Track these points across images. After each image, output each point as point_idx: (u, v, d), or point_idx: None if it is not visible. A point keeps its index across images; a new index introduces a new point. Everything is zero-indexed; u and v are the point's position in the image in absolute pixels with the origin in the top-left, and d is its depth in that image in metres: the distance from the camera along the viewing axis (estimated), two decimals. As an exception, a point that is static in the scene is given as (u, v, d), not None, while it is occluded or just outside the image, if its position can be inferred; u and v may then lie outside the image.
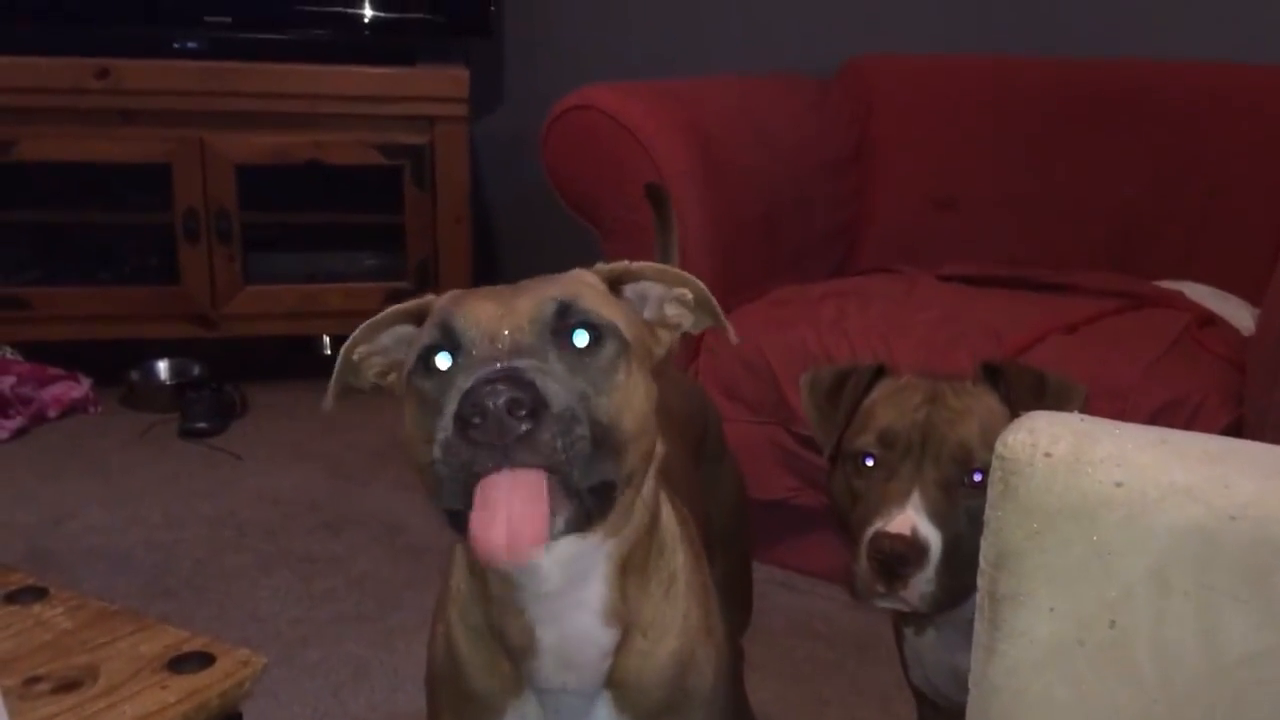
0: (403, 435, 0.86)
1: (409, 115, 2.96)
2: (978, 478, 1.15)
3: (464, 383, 0.77)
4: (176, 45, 2.95)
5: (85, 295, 2.96)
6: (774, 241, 2.37)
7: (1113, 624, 0.68)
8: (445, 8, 3.15)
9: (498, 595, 0.90)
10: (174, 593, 2.09)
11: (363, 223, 3.15)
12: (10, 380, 2.81)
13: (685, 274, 0.97)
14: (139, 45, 2.88)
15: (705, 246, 2.14)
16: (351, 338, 0.96)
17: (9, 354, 2.94)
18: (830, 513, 1.30)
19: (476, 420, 0.74)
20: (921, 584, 1.12)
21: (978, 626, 0.75)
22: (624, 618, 0.91)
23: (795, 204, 2.44)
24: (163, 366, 3.09)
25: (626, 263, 0.96)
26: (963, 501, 1.15)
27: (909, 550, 1.11)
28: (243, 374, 3.05)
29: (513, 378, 0.75)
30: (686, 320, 0.96)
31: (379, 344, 0.97)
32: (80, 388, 2.92)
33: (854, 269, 2.58)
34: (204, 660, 0.97)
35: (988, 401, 1.22)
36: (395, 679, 1.84)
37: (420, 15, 3.15)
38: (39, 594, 1.05)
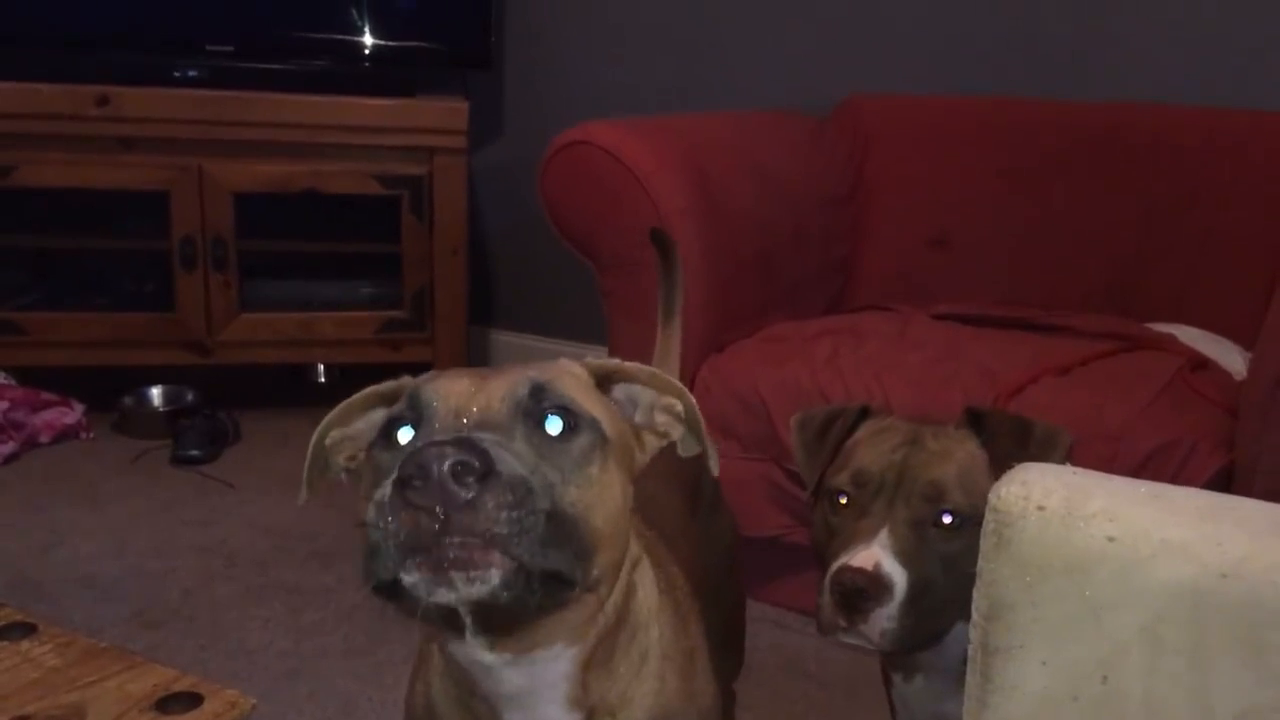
0: (360, 512, 0.83)
1: (408, 146, 2.97)
2: (947, 519, 1.17)
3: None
4: (177, 73, 2.96)
5: (81, 321, 2.96)
6: (770, 277, 2.38)
7: (1105, 679, 0.68)
8: (446, 39, 3.17)
9: (461, 681, 0.90)
10: (162, 623, 2.07)
11: (360, 252, 3.15)
12: (3, 405, 2.80)
13: (678, 385, 0.92)
14: (140, 73, 2.89)
15: (702, 283, 2.15)
16: (325, 421, 0.92)
17: (2, 379, 2.93)
18: (812, 550, 1.30)
19: (417, 482, 0.69)
20: (882, 620, 1.13)
21: (969, 678, 0.75)
22: (588, 704, 0.90)
23: (791, 240, 2.45)
24: (156, 393, 3.09)
25: (618, 362, 0.92)
26: (933, 543, 1.16)
27: (869, 584, 1.12)
28: (236, 402, 3.05)
29: (461, 440, 0.71)
30: (675, 432, 0.92)
31: (353, 429, 0.93)
32: (73, 414, 2.91)
33: (849, 305, 2.59)
34: (192, 700, 0.96)
35: (968, 446, 1.23)
36: (383, 713, 1.82)
37: (421, 44, 3.17)
38: (27, 630, 1.04)
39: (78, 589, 2.18)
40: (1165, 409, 1.82)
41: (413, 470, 0.69)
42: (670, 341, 1.45)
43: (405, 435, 0.79)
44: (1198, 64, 2.48)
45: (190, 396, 3.06)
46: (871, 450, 1.23)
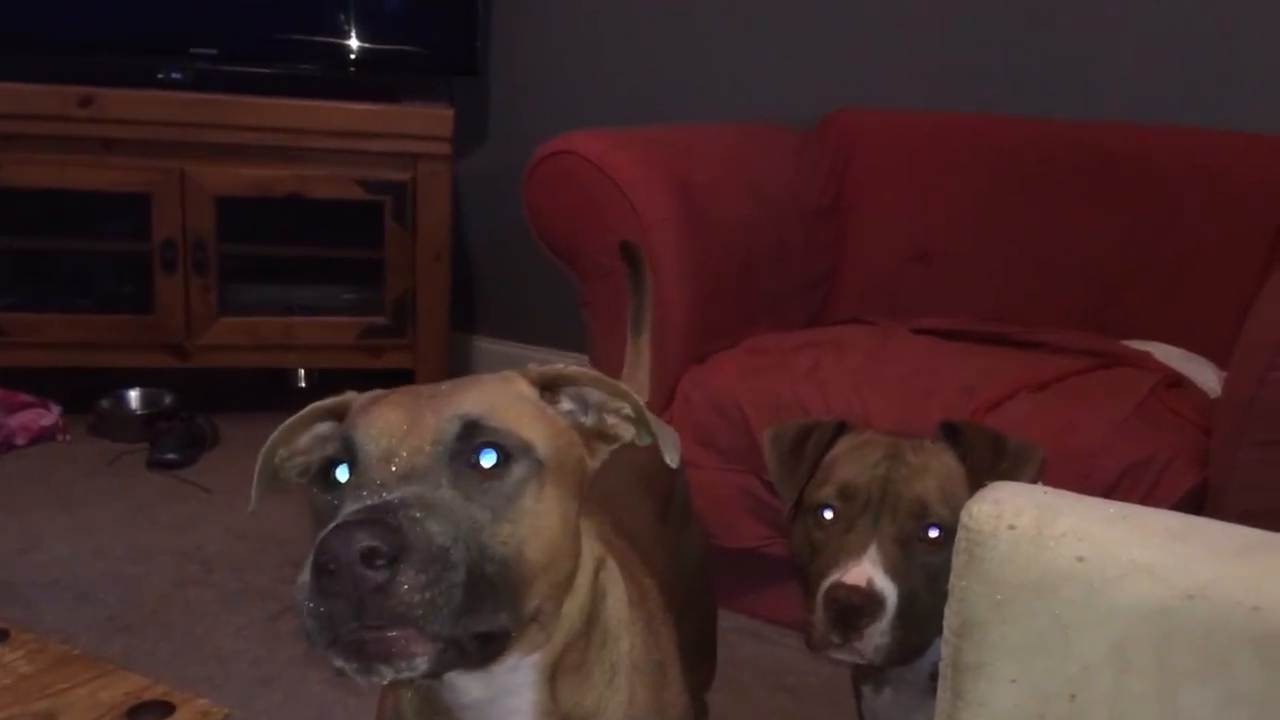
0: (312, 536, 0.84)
1: (392, 152, 2.97)
2: (933, 533, 1.19)
3: (341, 513, 0.74)
4: (161, 76, 2.95)
5: (60, 322, 2.94)
6: (752, 289, 2.39)
7: (1073, 698, 0.69)
8: (432, 45, 3.17)
9: (425, 694, 0.89)
10: (135, 628, 2.06)
11: (342, 257, 3.15)
12: (-22, 406, 2.78)
13: (623, 387, 0.91)
14: (123, 75, 2.88)
15: (684, 294, 2.16)
16: (271, 440, 0.93)
17: (-22, 379, 2.91)
18: (790, 564, 1.31)
19: (331, 567, 0.70)
20: (876, 636, 1.15)
21: (940, 695, 0.75)
22: (560, 713, 0.89)
23: (774, 252, 2.46)
24: (133, 396, 3.07)
25: (561, 367, 0.91)
26: (918, 557, 1.18)
27: (865, 601, 1.14)
28: (215, 405, 3.03)
29: (373, 519, 0.71)
30: (627, 434, 0.91)
31: (299, 445, 0.94)
32: (50, 415, 2.89)
33: (830, 318, 2.60)
34: (163, 710, 0.95)
35: (946, 460, 1.25)
36: (358, 722, 1.82)
37: (407, 48, 3.16)
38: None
39: (52, 592, 2.16)
40: (1140, 426, 1.83)
41: (326, 557, 0.70)
42: (640, 354, 1.46)
43: (342, 474, 0.80)
44: (1181, 85, 2.51)
45: (168, 400, 3.05)
46: (853, 465, 1.24)
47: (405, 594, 0.70)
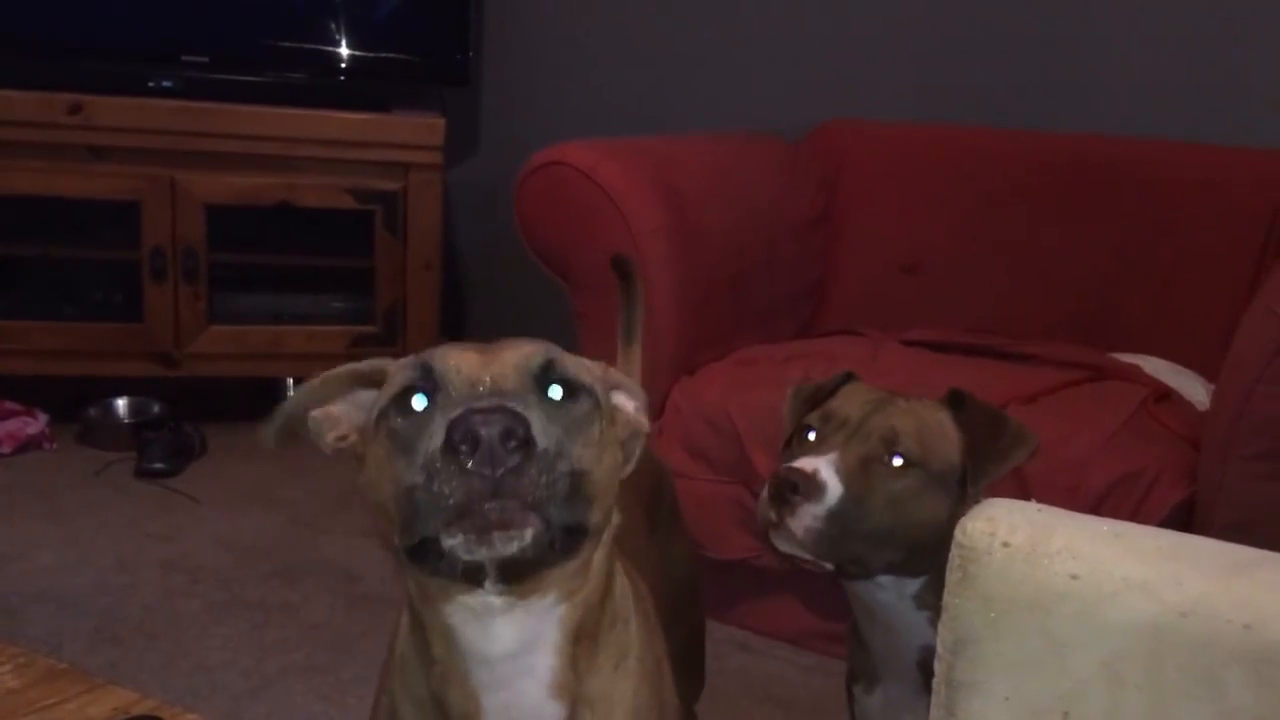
0: (363, 480, 0.85)
1: (383, 161, 2.97)
2: (897, 461, 1.23)
3: (448, 415, 0.77)
4: (151, 83, 2.94)
5: (48, 330, 2.92)
6: (742, 300, 2.39)
7: (1066, 716, 0.69)
8: (423, 54, 3.17)
9: (441, 659, 0.89)
10: (122, 640, 2.05)
11: (332, 266, 3.14)
12: (-36, 414, 2.77)
13: (640, 390, 0.98)
14: (114, 82, 2.87)
15: (674, 305, 2.16)
16: (304, 388, 0.94)
17: (-36, 387, 2.89)
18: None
19: (466, 447, 0.74)
20: (808, 517, 1.19)
21: (934, 714, 0.75)
22: (572, 691, 0.90)
23: (763, 263, 2.46)
24: (121, 404, 3.05)
25: (605, 366, 0.97)
26: (878, 479, 1.22)
27: (803, 480, 1.19)
28: (203, 415, 3.02)
29: (505, 409, 0.76)
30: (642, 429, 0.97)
31: (337, 409, 0.95)
32: (36, 424, 2.88)
33: (820, 329, 2.60)
34: (152, 724, 0.95)
35: (939, 416, 1.28)
36: (346, 734, 1.81)
37: (398, 57, 3.16)
38: (-15, 649, 1.03)
39: (38, 603, 2.15)
40: (1129, 439, 1.84)
41: (463, 436, 0.74)
42: (632, 365, 1.47)
43: (420, 403, 0.82)
44: (1170, 98, 2.52)
45: (156, 409, 3.03)
46: (845, 399, 1.31)
47: (534, 475, 0.76)
